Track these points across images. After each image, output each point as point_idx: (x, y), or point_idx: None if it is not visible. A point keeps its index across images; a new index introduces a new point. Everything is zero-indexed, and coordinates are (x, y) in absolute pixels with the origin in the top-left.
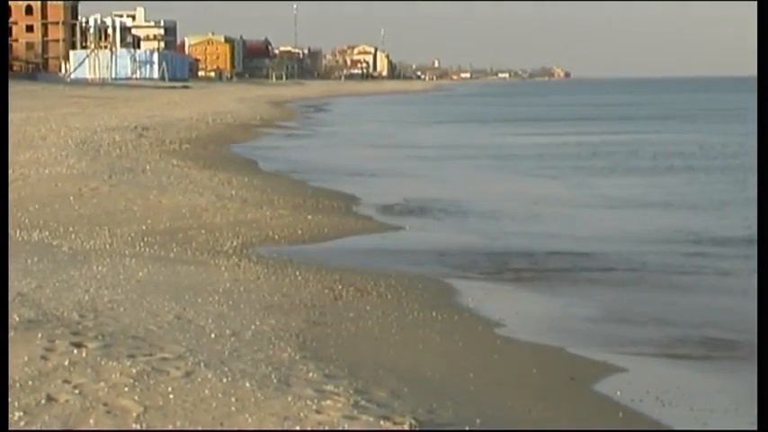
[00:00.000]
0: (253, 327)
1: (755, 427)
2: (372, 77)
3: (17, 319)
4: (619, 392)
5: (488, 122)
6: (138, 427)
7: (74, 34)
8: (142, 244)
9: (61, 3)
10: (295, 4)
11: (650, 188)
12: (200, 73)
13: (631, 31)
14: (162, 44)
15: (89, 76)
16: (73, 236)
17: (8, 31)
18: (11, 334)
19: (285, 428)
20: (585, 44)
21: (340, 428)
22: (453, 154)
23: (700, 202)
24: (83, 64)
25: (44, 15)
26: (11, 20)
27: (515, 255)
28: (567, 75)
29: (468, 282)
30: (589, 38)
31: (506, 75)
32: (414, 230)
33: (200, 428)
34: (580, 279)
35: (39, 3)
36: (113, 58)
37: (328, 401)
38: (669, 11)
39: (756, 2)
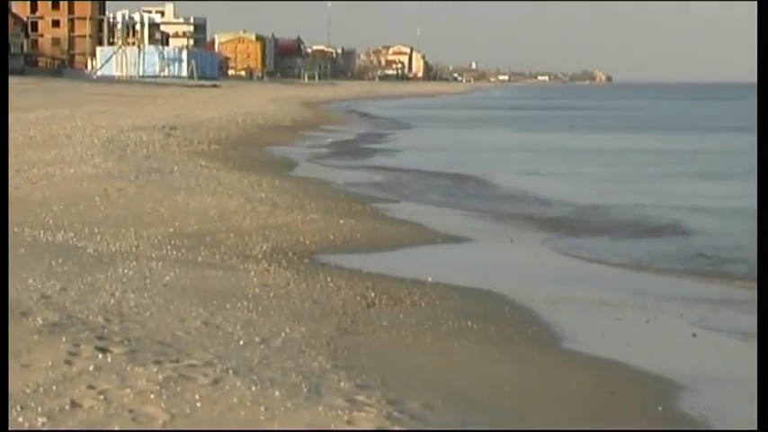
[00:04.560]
0: (282, 334)
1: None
2: (407, 78)
3: (41, 322)
4: (660, 408)
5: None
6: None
7: (101, 30)
8: (169, 247)
9: None
10: (329, 3)
11: None
12: (230, 72)
13: (675, 35)
14: (191, 41)
15: (116, 73)
16: (98, 237)
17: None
18: (34, 337)
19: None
20: (627, 47)
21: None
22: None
23: None
24: (110, 61)
25: (71, 10)
26: (36, 15)
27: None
28: (608, 79)
29: (505, 290)
30: (631, 41)
31: (546, 77)
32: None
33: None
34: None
35: None
36: (141, 55)
37: (360, 413)
38: (713, 14)
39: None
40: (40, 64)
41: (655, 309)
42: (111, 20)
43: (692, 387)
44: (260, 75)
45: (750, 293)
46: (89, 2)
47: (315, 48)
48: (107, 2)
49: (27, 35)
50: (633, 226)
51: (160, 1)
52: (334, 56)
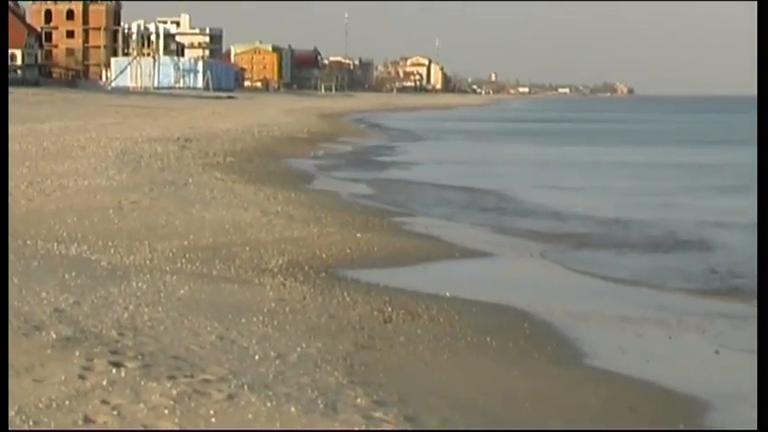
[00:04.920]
0: (298, 349)
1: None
2: (426, 90)
3: (54, 336)
4: (682, 426)
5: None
6: None
7: (116, 41)
8: (184, 260)
9: (103, 8)
10: (346, 13)
11: None
12: (246, 83)
13: (698, 47)
14: (207, 52)
15: (131, 84)
16: (112, 250)
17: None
18: (47, 352)
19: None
20: (650, 59)
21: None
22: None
23: None
24: (124, 72)
25: (85, 20)
26: (51, 25)
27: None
28: (630, 91)
29: (524, 306)
30: (654, 52)
31: (566, 90)
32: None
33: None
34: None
35: (80, 7)
36: (156, 66)
37: (377, 429)
38: (741, 26)
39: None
40: (54, 75)
41: (676, 325)
42: (126, 30)
43: (715, 404)
44: (276, 86)
45: None
46: (104, 12)
47: (332, 59)
48: (122, 12)
49: (41, 46)
50: (654, 241)
51: (176, 11)
52: (352, 67)
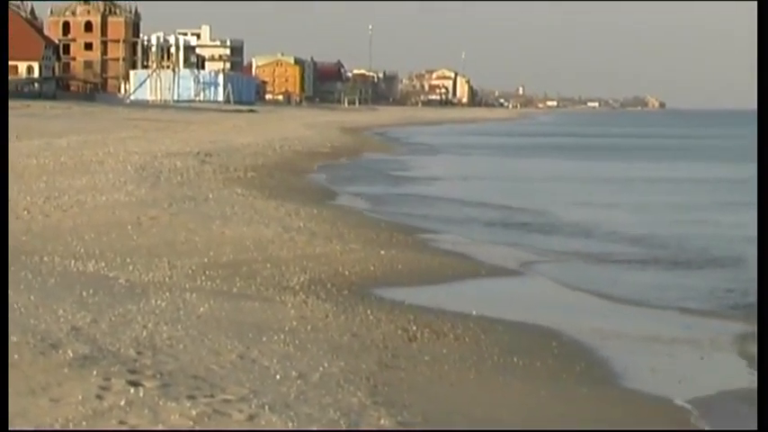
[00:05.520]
0: (321, 368)
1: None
2: (451, 104)
3: (71, 354)
4: None
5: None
6: None
7: (135, 53)
8: (203, 277)
9: (122, 19)
10: (370, 25)
11: None
12: (268, 96)
13: (731, 60)
14: (228, 65)
15: (150, 97)
16: (130, 267)
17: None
18: (64, 371)
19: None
20: (682, 72)
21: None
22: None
23: None
24: (143, 85)
25: (104, 33)
26: (69, 37)
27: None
28: (661, 105)
29: (552, 325)
30: (686, 65)
31: (596, 104)
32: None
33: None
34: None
35: (98, 19)
36: (176, 78)
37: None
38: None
39: (756, 2)
40: (71, 88)
41: (709, 345)
42: (146, 42)
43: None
44: (298, 99)
45: None
46: (123, 24)
47: (355, 72)
48: (141, 24)
49: (59, 58)
50: (688, 258)
51: (196, 23)
52: (376, 80)
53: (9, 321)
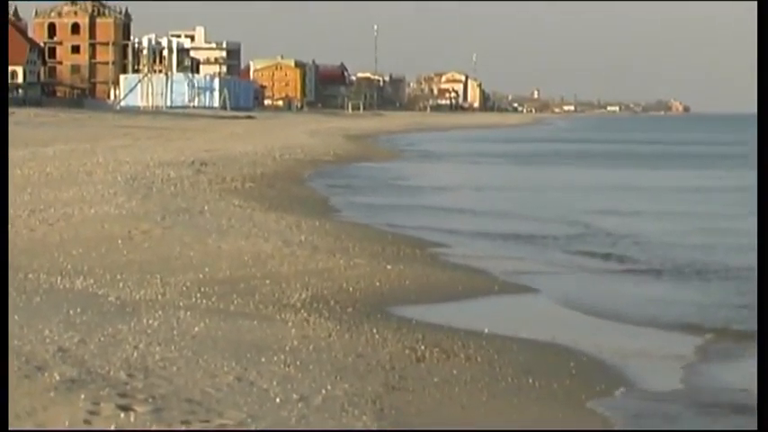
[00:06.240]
0: (323, 391)
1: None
2: (462, 109)
3: (58, 377)
4: None
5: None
6: None
7: (125, 56)
8: (199, 295)
9: (112, 21)
10: (375, 25)
11: None
12: (267, 101)
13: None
14: (224, 68)
15: (141, 103)
16: (121, 284)
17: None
18: (50, 394)
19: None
20: (708, 75)
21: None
22: None
23: None
24: (134, 90)
25: (92, 35)
26: (55, 39)
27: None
28: (686, 109)
29: (569, 343)
30: (712, 67)
31: (616, 108)
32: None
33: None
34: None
35: (86, 20)
36: (169, 83)
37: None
38: None
39: (756, 2)
40: (58, 94)
41: (735, 365)
42: (137, 45)
43: None
44: (299, 105)
45: None
46: (112, 26)
47: (360, 75)
48: (132, 26)
49: (44, 62)
50: (714, 270)
51: (190, 24)
52: (382, 84)
53: None
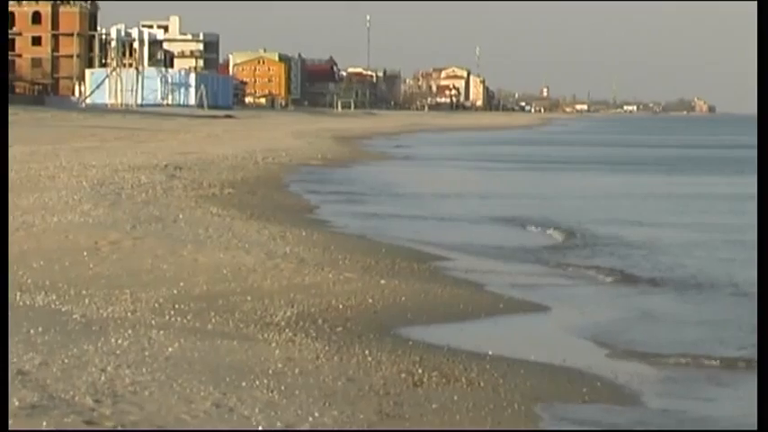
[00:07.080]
0: (310, 419)
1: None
2: (464, 108)
3: (17, 403)
4: None
5: None
6: None
7: (91, 49)
8: (173, 312)
9: (77, 10)
10: (368, 16)
11: None
12: (248, 99)
13: None
14: (200, 62)
15: (109, 101)
16: (87, 301)
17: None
18: (9, 422)
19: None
20: (733, 73)
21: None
22: None
23: None
24: (101, 86)
25: (55, 25)
26: (13, 30)
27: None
28: (710, 109)
29: (582, 366)
30: (738, 66)
31: (633, 107)
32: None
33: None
34: None
35: (48, 9)
36: (140, 79)
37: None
38: None
39: (756, 2)
40: (17, 90)
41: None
42: (104, 37)
43: None
44: (284, 103)
45: None
46: (77, 15)
47: (351, 70)
48: (99, 15)
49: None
50: (739, 286)
51: (163, 13)
52: (375, 80)
53: None
